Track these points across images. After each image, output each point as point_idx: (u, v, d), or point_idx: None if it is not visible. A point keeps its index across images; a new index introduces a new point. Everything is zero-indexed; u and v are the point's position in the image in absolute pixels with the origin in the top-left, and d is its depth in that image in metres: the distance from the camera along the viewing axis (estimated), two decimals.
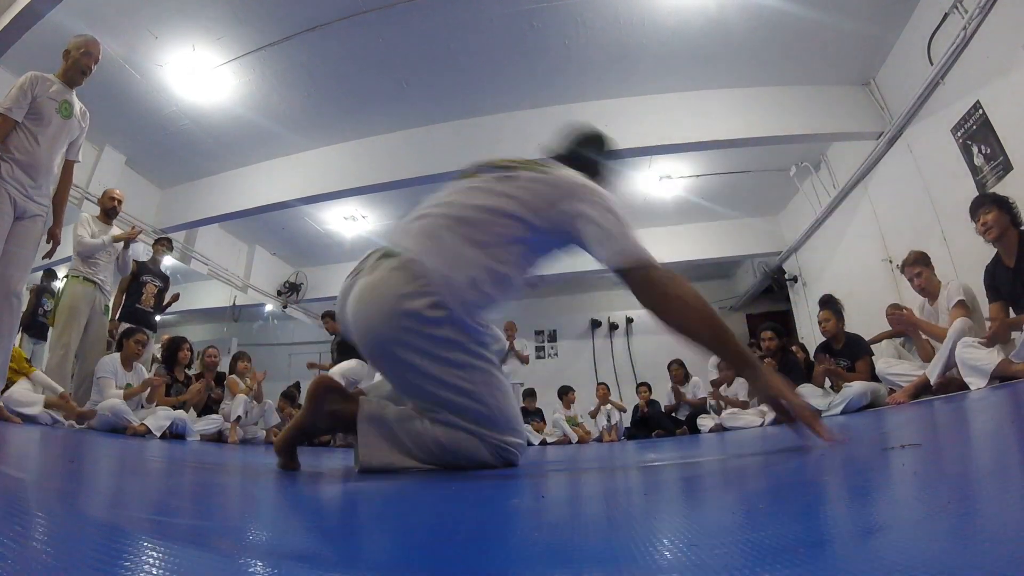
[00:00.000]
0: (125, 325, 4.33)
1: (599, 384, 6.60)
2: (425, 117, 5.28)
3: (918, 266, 3.41)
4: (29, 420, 3.15)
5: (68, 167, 2.85)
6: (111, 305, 4.24)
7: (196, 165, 5.89)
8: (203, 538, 0.53)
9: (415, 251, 1.30)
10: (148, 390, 3.95)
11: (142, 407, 3.97)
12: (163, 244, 5.01)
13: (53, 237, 2.81)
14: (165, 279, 4.86)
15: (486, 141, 5.23)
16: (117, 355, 3.95)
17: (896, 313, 3.37)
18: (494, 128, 5.23)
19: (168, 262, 6.59)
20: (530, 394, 6.39)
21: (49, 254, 2.85)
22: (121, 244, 4.17)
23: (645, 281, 1.24)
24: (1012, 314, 2.81)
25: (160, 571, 0.37)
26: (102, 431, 3.53)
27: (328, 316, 5.76)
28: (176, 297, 4.89)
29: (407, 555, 0.47)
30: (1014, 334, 2.74)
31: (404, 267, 1.27)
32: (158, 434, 3.72)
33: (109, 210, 4.20)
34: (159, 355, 4.71)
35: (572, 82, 4.85)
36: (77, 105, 2.80)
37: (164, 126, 5.12)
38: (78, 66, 2.74)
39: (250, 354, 5.28)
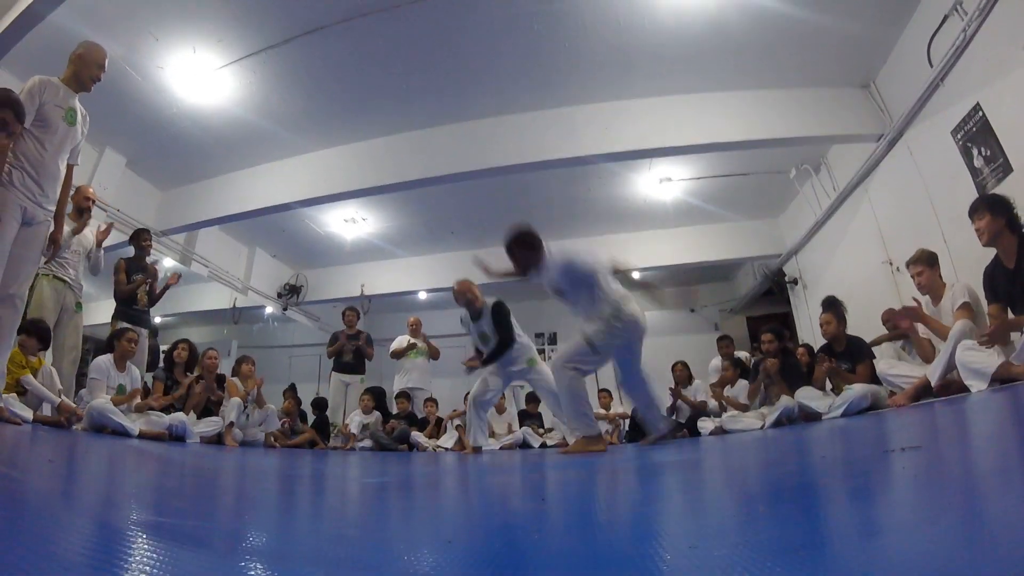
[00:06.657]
0: (121, 325, 4.30)
1: (600, 391, 6.57)
2: (425, 120, 5.28)
3: (920, 265, 3.41)
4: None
5: (68, 171, 2.86)
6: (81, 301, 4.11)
7: (196, 167, 5.88)
8: (198, 537, 0.53)
9: None
10: (135, 400, 3.93)
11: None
12: (143, 239, 4.70)
13: (54, 241, 2.81)
14: (154, 274, 4.68)
15: (486, 144, 5.23)
16: (110, 356, 3.92)
17: (899, 312, 3.36)
18: (494, 131, 5.23)
19: (168, 263, 6.59)
20: (532, 398, 6.38)
21: (49, 258, 2.84)
22: (94, 243, 4.14)
23: None
24: (1011, 316, 2.80)
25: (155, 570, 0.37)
26: (91, 431, 3.53)
27: (351, 310, 6.40)
28: (176, 277, 4.80)
29: (408, 558, 0.46)
30: (1013, 336, 2.73)
31: None
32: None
33: (83, 209, 4.08)
34: (160, 357, 4.66)
35: (573, 85, 4.85)
36: (80, 111, 2.81)
37: (165, 128, 5.11)
38: (91, 78, 2.76)
39: (250, 356, 5.25)
